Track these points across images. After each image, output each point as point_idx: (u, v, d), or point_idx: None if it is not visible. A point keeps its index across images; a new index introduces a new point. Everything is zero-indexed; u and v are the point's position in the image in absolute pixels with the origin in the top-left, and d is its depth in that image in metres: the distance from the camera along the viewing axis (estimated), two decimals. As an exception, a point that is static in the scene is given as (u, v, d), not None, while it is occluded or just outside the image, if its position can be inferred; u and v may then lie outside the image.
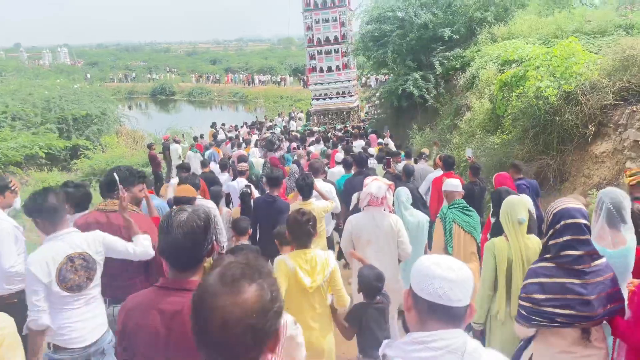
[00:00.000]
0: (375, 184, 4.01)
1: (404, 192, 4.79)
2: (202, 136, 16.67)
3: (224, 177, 7.90)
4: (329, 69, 22.42)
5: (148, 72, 64.12)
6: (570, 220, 2.37)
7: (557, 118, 7.20)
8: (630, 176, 4.16)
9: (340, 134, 17.10)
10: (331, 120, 22.59)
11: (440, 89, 14.08)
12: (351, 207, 5.55)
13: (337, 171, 7.56)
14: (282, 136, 16.05)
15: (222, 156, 12.42)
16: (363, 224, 3.98)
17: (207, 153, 12.46)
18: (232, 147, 13.52)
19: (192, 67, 68.73)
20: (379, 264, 3.65)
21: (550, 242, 2.43)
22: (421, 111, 14.91)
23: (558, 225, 2.39)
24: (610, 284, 2.38)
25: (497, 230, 4.92)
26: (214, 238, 1.92)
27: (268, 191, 5.19)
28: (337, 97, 22.56)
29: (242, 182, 7.00)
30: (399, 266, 4.15)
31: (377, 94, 18.12)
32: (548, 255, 2.44)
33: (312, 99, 23.29)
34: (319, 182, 5.91)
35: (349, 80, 22.46)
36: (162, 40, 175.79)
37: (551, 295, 2.37)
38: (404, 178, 6.60)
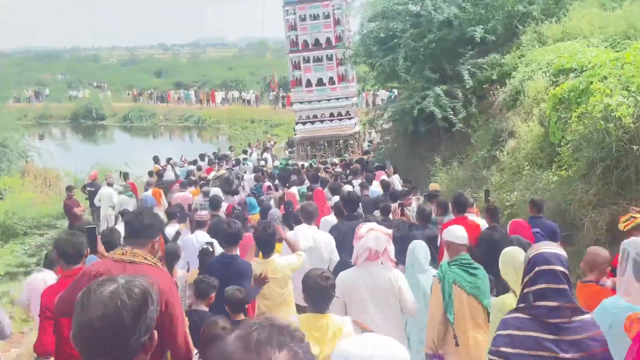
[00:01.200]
0: (373, 236, 4.48)
1: (423, 249, 5.23)
2: (150, 174, 16.72)
3: (171, 229, 8.08)
4: (320, 82, 22.78)
5: (68, 88, 64.69)
6: (544, 267, 2.80)
7: (635, 147, 7.26)
8: (624, 222, 4.97)
9: (336, 169, 17.14)
10: (323, 152, 22.73)
11: (471, 109, 14.25)
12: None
13: (334, 220, 7.76)
14: (252, 174, 16.05)
15: (162, 202, 12.42)
16: (356, 282, 4.50)
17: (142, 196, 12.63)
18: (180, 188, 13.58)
19: (128, 81, 69.70)
20: (379, 328, 4.12)
21: (525, 290, 2.87)
22: (446, 139, 15.06)
23: (532, 272, 2.84)
24: (594, 343, 2.72)
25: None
26: (153, 325, 1.87)
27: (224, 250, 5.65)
28: (331, 121, 22.85)
29: (201, 236, 7.27)
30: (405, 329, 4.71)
31: (385, 116, 18.28)
32: (522, 305, 2.88)
33: (296, 123, 23.52)
34: (311, 230, 6.31)
35: (346, 98, 22.80)
36: (88, 46, 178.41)
37: (521, 350, 2.76)
38: (421, 223, 7.08)
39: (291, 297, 5.56)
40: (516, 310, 2.90)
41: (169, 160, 19.86)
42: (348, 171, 15.68)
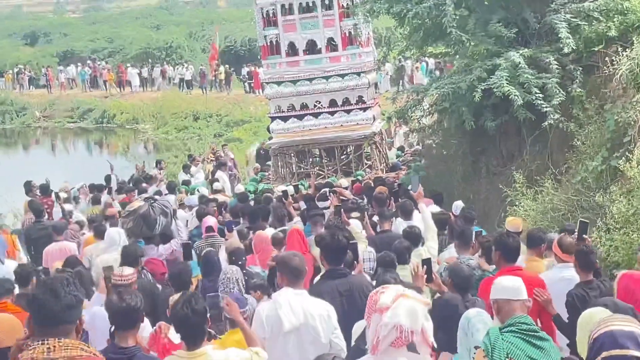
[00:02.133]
0: (406, 307, 4.40)
1: (483, 322, 5.48)
2: (33, 207, 16.81)
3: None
4: (311, 48, 23.11)
5: None
6: (615, 352, 3.14)
7: None
8: None
9: (349, 196, 17.18)
10: (320, 167, 22.93)
11: (574, 88, 14.34)
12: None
13: None
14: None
15: (17, 255, 12.71)
16: None
17: None
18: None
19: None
20: None
21: None
22: (532, 140, 15.33)
23: (598, 358, 3.18)
24: None
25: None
26: None
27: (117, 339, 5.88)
28: (332, 114, 23.00)
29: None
30: None
31: (426, 104, 18.34)
32: None
33: (272, 119, 23.77)
34: (299, 299, 6.47)
35: (358, 73, 22.91)
36: None
37: None
38: (454, 291, 7.34)
39: None
40: None
41: (46, 189, 19.65)
42: (366, 200, 15.69)
